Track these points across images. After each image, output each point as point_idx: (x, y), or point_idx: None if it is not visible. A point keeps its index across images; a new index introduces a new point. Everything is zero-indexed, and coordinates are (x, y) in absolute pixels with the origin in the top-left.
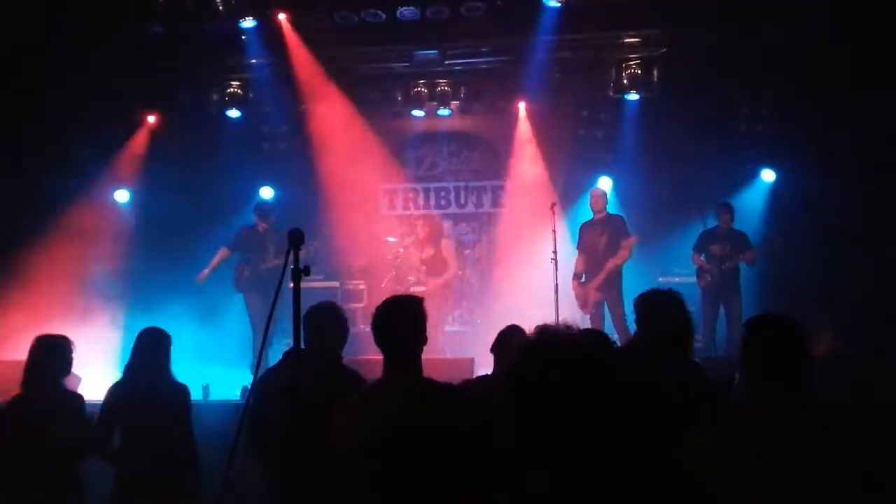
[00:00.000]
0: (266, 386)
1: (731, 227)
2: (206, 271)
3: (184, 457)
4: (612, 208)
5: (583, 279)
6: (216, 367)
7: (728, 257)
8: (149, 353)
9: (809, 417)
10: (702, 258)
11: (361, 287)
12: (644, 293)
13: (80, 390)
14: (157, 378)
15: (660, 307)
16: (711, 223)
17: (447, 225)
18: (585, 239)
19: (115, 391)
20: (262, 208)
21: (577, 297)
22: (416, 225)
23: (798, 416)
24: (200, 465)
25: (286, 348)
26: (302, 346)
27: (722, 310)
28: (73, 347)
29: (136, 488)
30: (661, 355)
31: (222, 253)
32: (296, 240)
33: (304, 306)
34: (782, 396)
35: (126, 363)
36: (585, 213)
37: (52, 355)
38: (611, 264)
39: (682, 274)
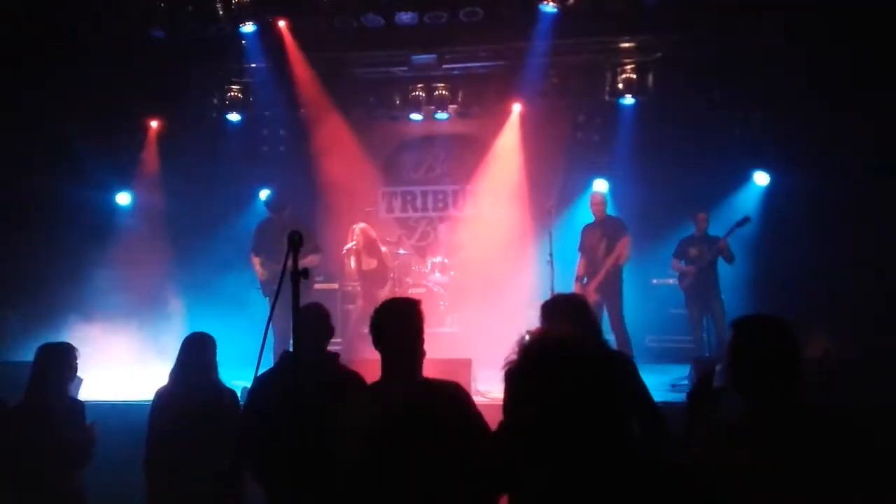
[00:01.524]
0: (263, 389)
1: (705, 233)
2: (260, 270)
3: (227, 465)
4: (608, 211)
5: (584, 281)
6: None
7: (703, 257)
8: (195, 356)
9: (802, 420)
10: (681, 263)
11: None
12: (547, 300)
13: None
14: (204, 382)
15: (556, 307)
16: (691, 229)
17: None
18: (586, 241)
19: (161, 396)
20: (271, 202)
21: None
22: (354, 233)
23: (790, 419)
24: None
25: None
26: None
27: (707, 314)
28: (77, 354)
29: (177, 494)
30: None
31: (255, 260)
32: (295, 243)
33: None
34: (771, 399)
35: (172, 367)
36: (583, 216)
37: (58, 362)
38: (609, 263)
39: (676, 276)
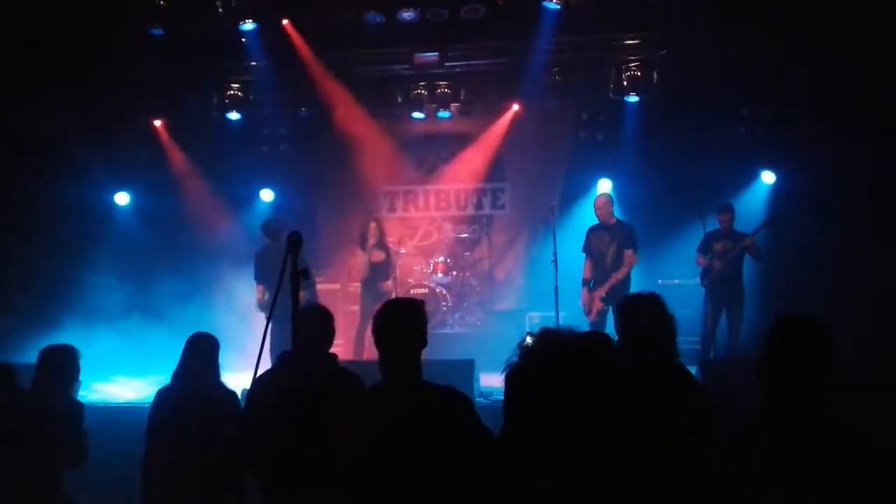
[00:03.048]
0: (262, 390)
1: (731, 227)
2: (262, 299)
3: (228, 466)
4: (615, 213)
5: (591, 285)
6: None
7: (729, 252)
8: (198, 357)
9: (824, 423)
10: (706, 259)
11: (363, 284)
12: (623, 297)
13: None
14: (205, 383)
15: (634, 310)
16: (712, 225)
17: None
18: (593, 245)
19: (162, 395)
20: (268, 225)
21: (584, 303)
22: (368, 230)
23: (813, 422)
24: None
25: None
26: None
27: (724, 313)
28: (79, 356)
29: (173, 494)
30: (639, 359)
31: (258, 288)
32: (294, 243)
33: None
34: (799, 400)
35: (175, 367)
36: (587, 216)
37: (62, 364)
38: (614, 278)
39: (682, 276)
